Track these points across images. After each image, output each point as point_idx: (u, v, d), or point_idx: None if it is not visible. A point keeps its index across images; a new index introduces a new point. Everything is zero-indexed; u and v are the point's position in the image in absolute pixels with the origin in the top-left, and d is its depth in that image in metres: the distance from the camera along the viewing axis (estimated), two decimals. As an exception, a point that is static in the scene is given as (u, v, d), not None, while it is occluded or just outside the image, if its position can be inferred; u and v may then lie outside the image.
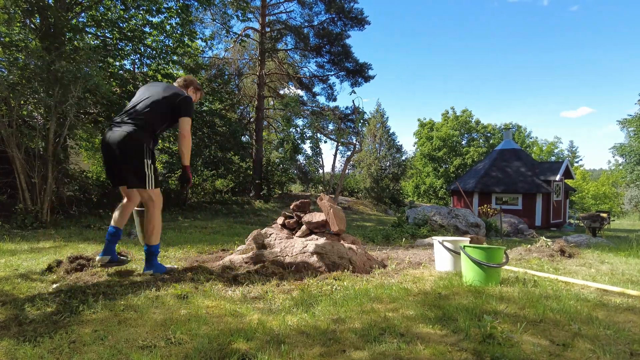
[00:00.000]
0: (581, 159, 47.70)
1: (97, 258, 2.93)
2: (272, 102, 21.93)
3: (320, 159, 14.97)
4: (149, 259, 2.90)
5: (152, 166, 2.81)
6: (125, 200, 3.03)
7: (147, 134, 2.82)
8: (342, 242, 3.48)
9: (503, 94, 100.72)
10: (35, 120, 7.07)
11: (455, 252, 3.33)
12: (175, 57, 10.77)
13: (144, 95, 2.95)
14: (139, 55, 10.29)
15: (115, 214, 3.01)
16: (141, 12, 9.22)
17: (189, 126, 2.92)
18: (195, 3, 10.08)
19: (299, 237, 3.62)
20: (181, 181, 3.09)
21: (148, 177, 2.78)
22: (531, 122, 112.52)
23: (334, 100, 24.01)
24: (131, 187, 2.84)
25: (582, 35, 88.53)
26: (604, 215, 14.47)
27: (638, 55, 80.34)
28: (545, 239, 4.65)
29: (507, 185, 18.62)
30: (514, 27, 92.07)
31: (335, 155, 13.96)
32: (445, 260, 3.42)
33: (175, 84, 3.24)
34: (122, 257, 3.10)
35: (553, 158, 43.42)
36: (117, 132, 2.75)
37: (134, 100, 2.96)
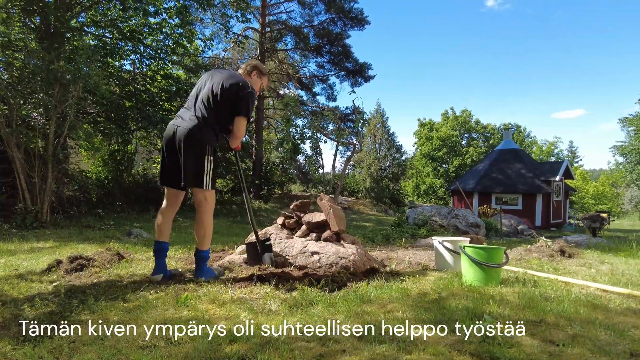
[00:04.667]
0: (581, 159, 47.74)
1: (150, 277, 2.74)
2: (272, 102, 21.92)
3: (320, 159, 14.96)
4: (199, 264, 2.82)
5: (212, 164, 2.71)
6: (165, 204, 2.88)
7: (210, 131, 2.69)
8: (342, 242, 3.48)
9: (501, 94, 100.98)
10: (35, 120, 7.05)
11: (455, 252, 3.33)
12: (175, 57, 10.75)
13: (205, 84, 2.79)
14: (138, 56, 10.27)
15: (159, 225, 2.83)
16: (140, 12, 9.19)
17: (244, 128, 2.80)
18: (194, 4, 10.05)
19: (299, 237, 3.62)
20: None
21: (206, 175, 2.68)
22: (529, 122, 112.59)
23: (334, 100, 23.98)
24: (187, 186, 2.69)
25: (577, 39, 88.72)
26: (604, 215, 14.50)
27: (634, 56, 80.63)
28: (545, 239, 4.64)
29: (507, 185, 18.63)
30: (513, 29, 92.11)
31: (335, 155, 14.00)
32: (445, 260, 3.42)
33: (240, 70, 3.04)
34: (174, 272, 2.92)
35: (553, 158, 43.44)
36: (182, 126, 2.65)
37: (197, 90, 2.82)
